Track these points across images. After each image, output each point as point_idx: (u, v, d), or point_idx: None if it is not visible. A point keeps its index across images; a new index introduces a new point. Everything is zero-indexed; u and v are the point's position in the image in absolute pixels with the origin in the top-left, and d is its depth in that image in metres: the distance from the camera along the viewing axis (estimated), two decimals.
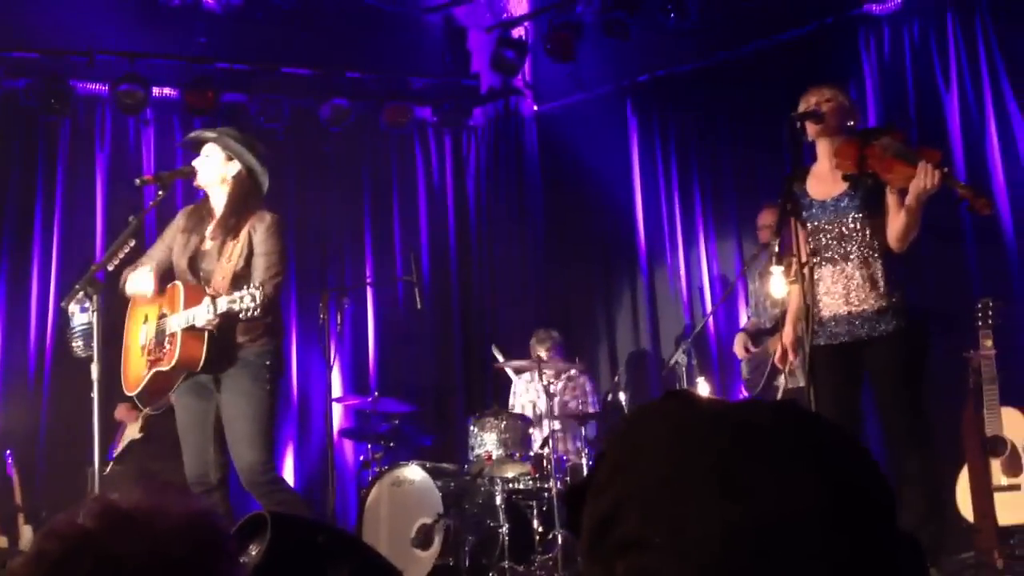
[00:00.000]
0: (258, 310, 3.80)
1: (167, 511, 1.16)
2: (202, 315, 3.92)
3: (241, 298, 3.80)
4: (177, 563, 1.12)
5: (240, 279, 4.04)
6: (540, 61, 7.99)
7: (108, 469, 5.75)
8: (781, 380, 5.48)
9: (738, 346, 6.04)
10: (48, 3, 6.95)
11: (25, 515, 6.02)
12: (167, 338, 4.08)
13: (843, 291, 3.97)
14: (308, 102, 7.66)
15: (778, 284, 4.08)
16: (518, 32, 7.96)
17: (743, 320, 6.59)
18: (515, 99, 8.26)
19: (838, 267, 3.98)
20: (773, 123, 7.19)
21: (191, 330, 3.99)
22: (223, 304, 3.85)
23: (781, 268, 3.89)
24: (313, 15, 7.46)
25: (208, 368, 4.07)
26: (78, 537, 1.12)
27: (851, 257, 3.96)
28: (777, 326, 5.64)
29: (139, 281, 4.20)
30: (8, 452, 6.30)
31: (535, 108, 8.34)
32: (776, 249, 3.78)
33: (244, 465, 4.07)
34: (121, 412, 5.90)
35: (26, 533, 5.90)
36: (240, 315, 3.84)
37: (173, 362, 4.02)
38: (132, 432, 5.70)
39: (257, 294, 3.78)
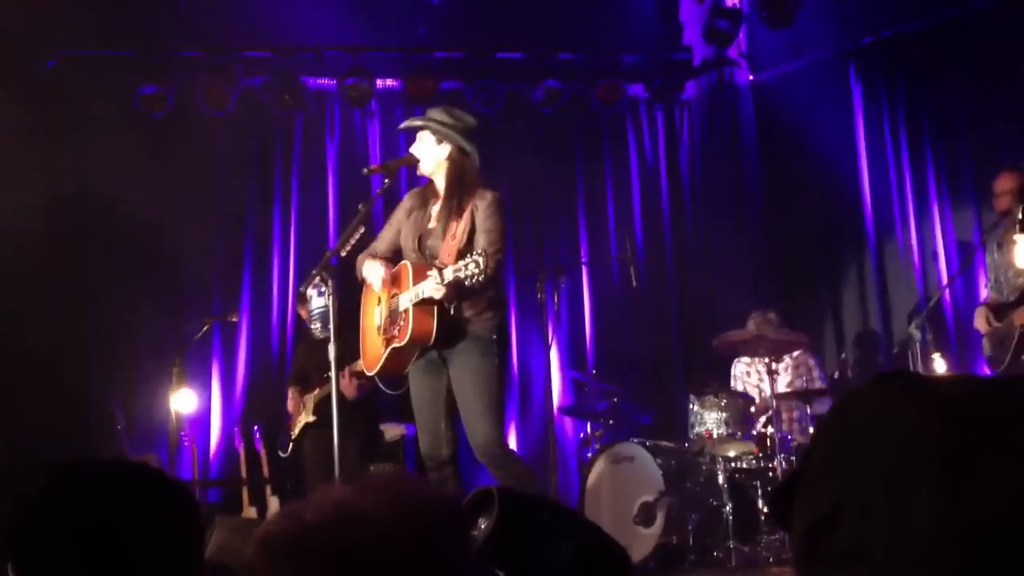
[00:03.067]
0: (482, 276, 3.84)
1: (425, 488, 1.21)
2: (431, 287, 4.01)
3: (466, 265, 3.86)
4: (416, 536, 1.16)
5: (464, 256, 4.12)
6: (755, 28, 7.75)
7: (288, 452, 6.06)
8: None
9: (979, 320, 5.62)
10: (279, 4, 7.37)
11: (272, 487, 6.45)
12: (400, 315, 4.20)
13: None
14: (521, 85, 7.77)
15: (1023, 253, 3.80)
16: (731, 0, 7.75)
17: (983, 292, 6.16)
18: (729, 70, 8.04)
19: None
20: (1010, 82, 6.71)
21: (421, 304, 4.10)
22: (449, 273, 3.92)
23: None
24: None
25: (440, 342, 4.16)
26: (332, 505, 1.18)
27: None
28: (1022, 298, 5.25)
29: (372, 272, 4.38)
30: (256, 427, 6.78)
31: (751, 78, 8.10)
32: (1020, 216, 3.53)
33: (479, 439, 4.14)
34: (291, 404, 6.07)
35: (273, 504, 6.32)
36: (466, 282, 3.91)
37: (407, 338, 4.13)
38: (305, 416, 5.93)
39: (480, 260, 3.82)
